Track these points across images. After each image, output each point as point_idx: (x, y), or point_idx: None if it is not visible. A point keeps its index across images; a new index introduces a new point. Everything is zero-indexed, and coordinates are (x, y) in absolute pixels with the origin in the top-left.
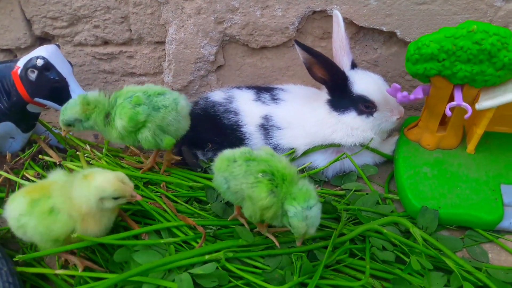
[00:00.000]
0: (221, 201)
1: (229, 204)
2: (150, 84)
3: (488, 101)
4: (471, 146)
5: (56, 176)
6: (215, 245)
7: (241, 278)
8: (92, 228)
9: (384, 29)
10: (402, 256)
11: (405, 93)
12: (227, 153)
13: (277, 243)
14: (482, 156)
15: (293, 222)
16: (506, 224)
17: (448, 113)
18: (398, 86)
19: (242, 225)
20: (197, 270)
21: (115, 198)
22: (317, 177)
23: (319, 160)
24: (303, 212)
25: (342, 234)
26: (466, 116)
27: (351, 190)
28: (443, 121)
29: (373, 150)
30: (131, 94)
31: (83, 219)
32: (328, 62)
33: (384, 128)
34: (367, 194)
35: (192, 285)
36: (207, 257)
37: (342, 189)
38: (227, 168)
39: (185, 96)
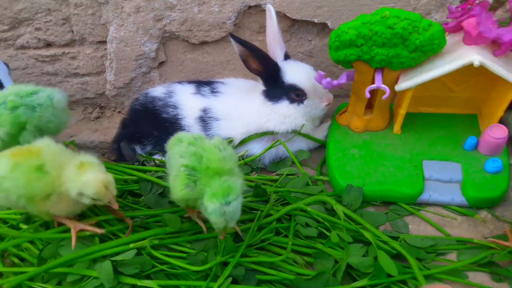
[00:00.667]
0: (154, 193)
1: (162, 195)
2: (22, 85)
3: (406, 82)
4: (396, 127)
5: (46, 142)
6: (141, 233)
7: (167, 263)
8: (61, 207)
9: (316, 20)
10: (325, 232)
11: (329, 79)
12: (182, 133)
13: (204, 228)
14: (408, 135)
15: (211, 218)
16: (426, 197)
17: (367, 95)
18: (322, 73)
19: (172, 213)
20: (118, 258)
21: (94, 199)
22: (254, 164)
23: (256, 148)
24: (221, 208)
25: (270, 215)
26: (384, 97)
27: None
28: (370, 105)
29: (307, 136)
30: (2, 100)
31: (60, 193)
32: (262, 54)
33: (315, 115)
34: (298, 177)
35: (111, 272)
36: (131, 245)
37: (278, 174)
38: (172, 147)
39: (59, 90)
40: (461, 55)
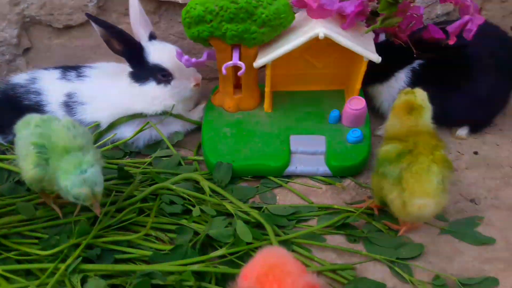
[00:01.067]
0: (11, 181)
1: (21, 184)
2: None
3: (262, 59)
4: (265, 105)
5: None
6: None
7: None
8: None
9: (180, 1)
10: (192, 208)
11: (187, 56)
12: (30, 116)
13: (60, 213)
14: (277, 113)
15: (74, 192)
16: (292, 169)
17: (223, 72)
18: (179, 50)
19: (27, 201)
20: None
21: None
22: (127, 149)
23: (127, 132)
24: (78, 178)
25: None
26: (239, 72)
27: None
28: (239, 84)
29: (181, 118)
30: None
31: None
32: (122, 34)
33: (185, 95)
34: (168, 156)
35: None
36: None
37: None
38: (20, 130)
39: None
40: (309, 29)
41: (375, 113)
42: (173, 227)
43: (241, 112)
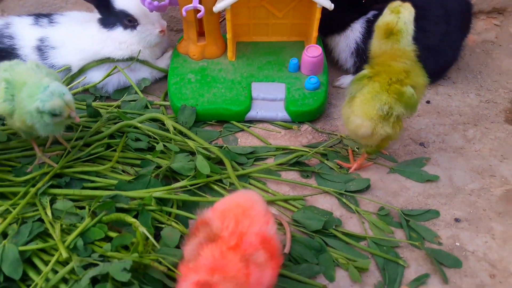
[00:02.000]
0: None
1: None
2: None
3: (220, 3)
4: (229, 53)
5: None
6: None
7: None
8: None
9: None
10: (156, 145)
11: (149, 0)
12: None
13: (36, 149)
14: (241, 62)
15: (48, 107)
16: (253, 114)
17: (183, 13)
18: None
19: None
20: None
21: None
22: (97, 93)
23: (97, 76)
24: (45, 93)
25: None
26: (199, 15)
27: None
28: (203, 32)
29: (149, 65)
30: None
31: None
32: None
33: (151, 41)
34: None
35: None
36: None
37: (125, 100)
38: None
39: None
40: None
41: (334, 65)
42: (138, 162)
43: (206, 60)
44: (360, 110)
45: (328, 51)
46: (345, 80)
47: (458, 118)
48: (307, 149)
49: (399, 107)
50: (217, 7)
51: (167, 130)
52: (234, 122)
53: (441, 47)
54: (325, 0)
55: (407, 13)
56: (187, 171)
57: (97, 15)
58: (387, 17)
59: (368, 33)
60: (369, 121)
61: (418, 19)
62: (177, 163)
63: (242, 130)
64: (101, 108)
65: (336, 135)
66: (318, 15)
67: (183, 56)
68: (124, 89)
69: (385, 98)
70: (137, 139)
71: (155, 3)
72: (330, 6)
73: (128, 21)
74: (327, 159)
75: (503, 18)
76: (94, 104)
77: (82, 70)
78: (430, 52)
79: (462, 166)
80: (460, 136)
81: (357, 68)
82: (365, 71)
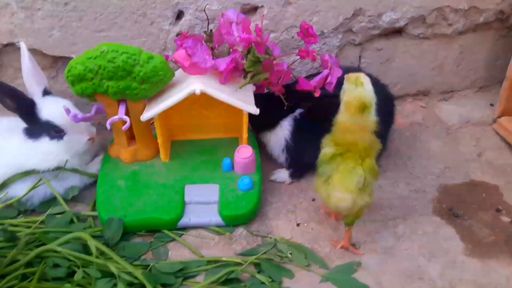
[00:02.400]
0: None
1: None
2: None
3: (148, 113)
4: (162, 155)
5: None
6: None
7: None
8: None
9: (74, 56)
10: (77, 269)
11: (74, 113)
12: None
13: None
14: (174, 163)
15: None
16: (186, 221)
17: (108, 127)
18: (66, 107)
19: None
20: None
21: None
22: (22, 207)
23: (20, 189)
24: None
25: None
26: (124, 127)
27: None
28: (134, 135)
29: (78, 172)
30: None
31: None
32: (12, 91)
33: (79, 150)
34: (62, 213)
35: None
36: None
37: (50, 214)
38: None
39: None
40: (188, 85)
41: (269, 158)
42: None
43: (138, 163)
44: (340, 186)
45: (262, 146)
46: (280, 174)
47: (388, 213)
48: (240, 260)
49: (371, 178)
50: (144, 117)
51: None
52: (166, 231)
53: None
54: (250, 106)
55: (368, 83)
56: None
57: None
58: (355, 91)
59: (296, 130)
60: (350, 195)
61: None
62: None
63: (174, 239)
64: (23, 225)
65: (270, 237)
66: (246, 120)
67: (114, 160)
68: (51, 200)
69: (360, 172)
70: (56, 265)
71: (80, 115)
72: (256, 111)
73: (55, 131)
74: (259, 271)
75: (428, 99)
76: (16, 221)
77: (4, 184)
78: None
79: (392, 269)
80: (390, 234)
81: (290, 164)
82: (332, 150)
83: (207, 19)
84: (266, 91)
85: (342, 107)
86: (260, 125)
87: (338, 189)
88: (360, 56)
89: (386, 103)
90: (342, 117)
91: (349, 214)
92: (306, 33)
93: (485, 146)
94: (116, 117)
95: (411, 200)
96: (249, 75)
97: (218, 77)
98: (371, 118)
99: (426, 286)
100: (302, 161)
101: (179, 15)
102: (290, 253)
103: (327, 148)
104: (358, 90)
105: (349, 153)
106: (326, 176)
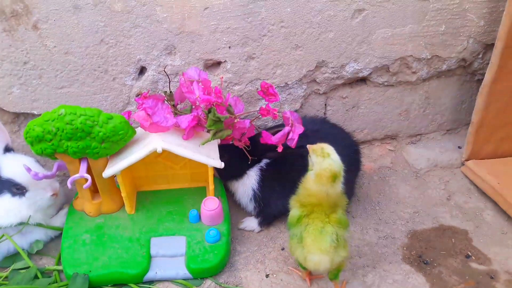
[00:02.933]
0: None
1: None
2: None
3: (110, 169)
4: (127, 208)
5: None
6: None
7: None
8: None
9: (36, 112)
10: None
11: (35, 172)
12: None
13: None
14: (140, 214)
15: None
16: (152, 275)
17: (69, 186)
18: (27, 166)
19: None
20: None
21: None
22: None
23: None
24: None
25: None
26: (85, 186)
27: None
28: (97, 189)
29: (43, 226)
30: None
31: None
32: None
33: (42, 205)
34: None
35: None
36: None
37: (14, 269)
38: None
39: None
40: (149, 142)
41: (238, 206)
42: None
43: (103, 215)
44: (314, 248)
45: (231, 194)
46: (249, 223)
47: (357, 261)
48: None
49: (342, 231)
50: (106, 174)
51: None
52: (133, 285)
53: None
54: (214, 161)
55: (334, 153)
56: None
57: None
58: (323, 163)
59: (262, 179)
60: (326, 256)
61: (306, 167)
62: None
63: None
64: None
65: None
66: (211, 172)
67: (79, 213)
68: (16, 255)
69: (330, 229)
70: None
71: (41, 174)
72: (220, 165)
73: (16, 188)
74: None
75: (396, 143)
76: None
77: None
78: None
79: None
80: (359, 283)
81: (258, 212)
82: (297, 212)
83: (168, 77)
84: (232, 142)
85: (312, 176)
86: (227, 175)
87: (313, 252)
88: (325, 104)
89: (352, 152)
90: (312, 186)
91: (330, 270)
92: (266, 92)
93: (454, 189)
94: (77, 175)
95: (380, 247)
96: (211, 133)
97: (181, 132)
98: (340, 185)
99: None
100: (270, 209)
101: (142, 70)
102: None
103: (293, 210)
104: (326, 162)
105: (314, 213)
106: (297, 238)
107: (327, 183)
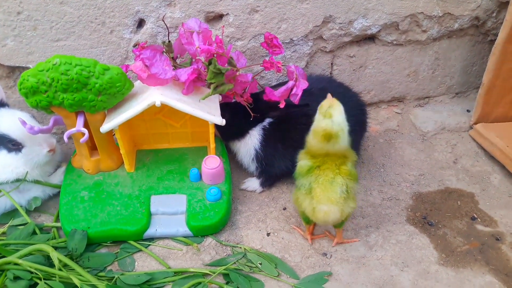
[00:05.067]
0: None
1: None
2: None
3: (107, 124)
4: (126, 166)
5: None
6: None
7: None
8: None
9: (31, 66)
10: (39, 281)
11: (30, 125)
12: None
13: None
14: (140, 173)
15: None
16: (152, 232)
17: (65, 140)
18: (22, 120)
19: None
20: None
21: None
22: None
23: None
24: None
25: None
26: (82, 140)
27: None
28: (96, 146)
29: (40, 183)
30: None
31: None
32: None
33: (39, 162)
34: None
35: None
36: None
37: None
38: None
39: None
40: (148, 96)
41: (239, 167)
42: None
43: (102, 173)
44: (324, 198)
45: (232, 155)
46: (251, 183)
47: (360, 221)
48: (207, 271)
49: (352, 183)
50: (103, 129)
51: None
52: (131, 242)
53: None
54: (215, 117)
55: (338, 114)
56: None
57: None
58: (322, 122)
59: (265, 139)
60: (336, 206)
61: (310, 126)
62: None
63: (140, 250)
64: None
65: (240, 247)
66: (212, 130)
67: (78, 171)
68: (14, 211)
69: (341, 181)
70: (17, 277)
71: (36, 128)
72: (222, 122)
73: (12, 144)
74: (228, 282)
75: (403, 105)
76: None
77: None
78: None
79: (364, 279)
80: (362, 243)
81: (260, 173)
82: (308, 163)
83: (167, 28)
84: (234, 100)
85: (311, 132)
86: (228, 134)
87: (323, 202)
88: (332, 63)
89: (358, 112)
90: (311, 141)
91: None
92: (270, 43)
93: (461, 153)
94: (73, 129)
95: (384, 208)
96: (212, 86)
97: (180, 87)
98: (340, 145)
99: None
100: (273, 170)
101: (141, 23)
102: (260, 263)
103: (303, 161)
104: (325, 122)
105: (326, 164)
106: (306, 189)
107: (321, 141)
